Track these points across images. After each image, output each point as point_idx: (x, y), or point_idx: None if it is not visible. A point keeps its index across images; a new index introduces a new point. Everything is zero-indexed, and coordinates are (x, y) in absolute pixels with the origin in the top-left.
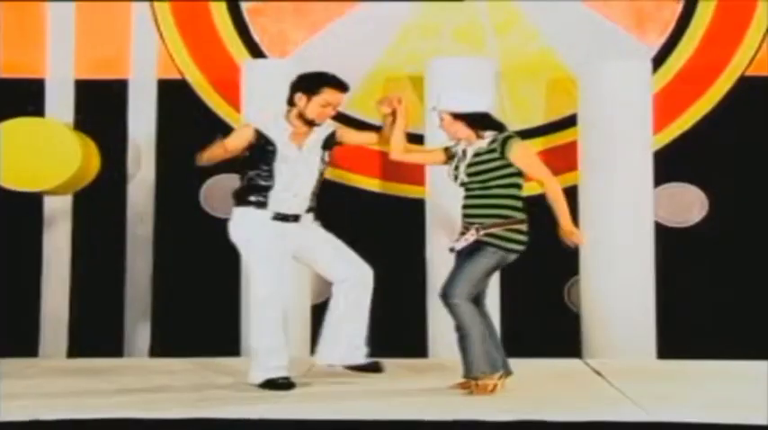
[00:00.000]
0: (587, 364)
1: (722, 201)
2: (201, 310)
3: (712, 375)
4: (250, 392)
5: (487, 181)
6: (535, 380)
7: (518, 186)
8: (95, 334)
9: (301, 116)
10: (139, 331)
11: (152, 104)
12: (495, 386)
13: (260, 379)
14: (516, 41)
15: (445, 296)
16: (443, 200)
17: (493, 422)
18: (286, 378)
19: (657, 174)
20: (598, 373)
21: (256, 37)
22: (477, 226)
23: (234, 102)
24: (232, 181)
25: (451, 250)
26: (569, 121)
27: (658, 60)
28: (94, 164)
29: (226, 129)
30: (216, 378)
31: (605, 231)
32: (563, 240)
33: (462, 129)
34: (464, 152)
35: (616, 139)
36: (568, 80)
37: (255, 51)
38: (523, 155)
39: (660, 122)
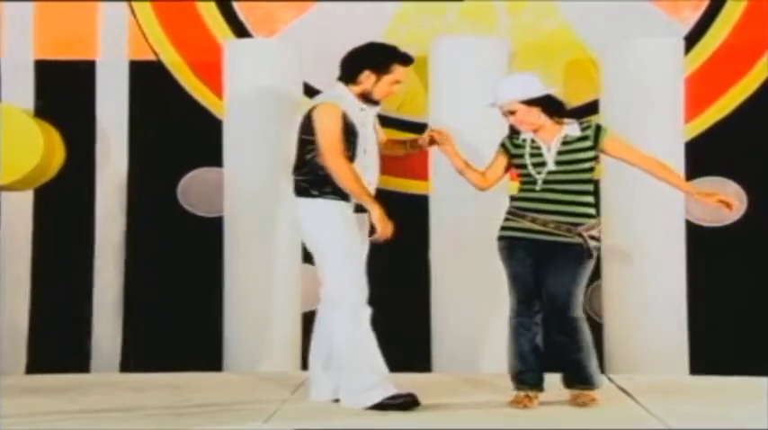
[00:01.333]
0: (611, 380)
1: (762, 198)
2: (179, 320)
3: (747, 393)
4: (233, 411)
5: (578, 171)
6: (552, 398)
7: (594, 182)
8: (59, 347)
9: (364, 96)
10: (109, 343)
11: (123, 88)
12: (598, 399)
13: (370, 400)
14: (531, 18)
15: (566, 310)
16: (448, 196)
17: None
18: (409, 394)
19: (690, 168)
20: (623, 390)
21: (240, 14)
22: (572, 225)
23: (214, 85)
24: (212, 174)
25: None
26: (590, 108)
27: (692, 39)
28: (58, 155)
29: (205, 115)
30: (194, 395)
31: (631, 232)
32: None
33: (537, 117)
34: (533, 141)
35: (643, 128)
36: (589, 61)
37: (239, 30)
38: (620, 143)
39: (693, 109)
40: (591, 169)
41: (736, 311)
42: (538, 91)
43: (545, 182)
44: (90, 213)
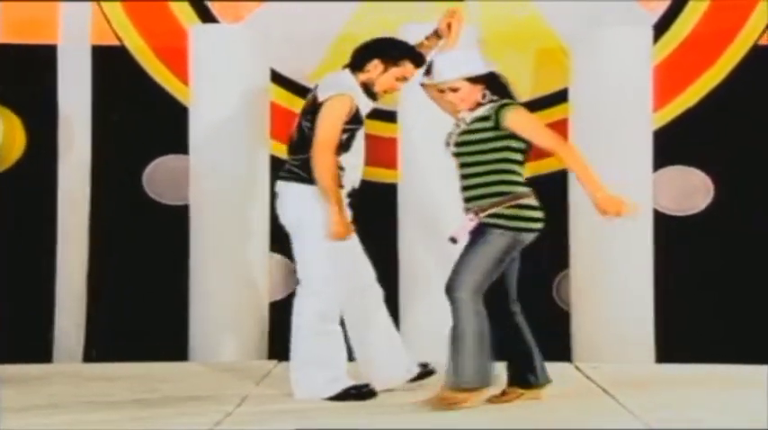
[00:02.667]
0: (578, 369)
1: (729, 187)
2: (144, 309)
3: (714, 381)
4: (199, 402)
5: (478, 153)
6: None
7: (517, 162)
8: (21, 336)
9: (365, 86)
10: (72, 333)
11: (86, 74)
12: (464, 401)
13: (327, 392)
14: (501, 7)
15: (448, 289)
16: (418, 185)
17: None
18: (365, 385)
19: (658, 157)
20: (590, 379)
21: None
22: (475, 208)
23: (180, 71)
24: (178, 161)
25: (452, 241)
26: (560, 97)
27: (660, 27)
28: (18, 142)
29: (170, 102)
30: (160, 385)
31: (599, 221)
32: (601, 214)
33: (480, 95)
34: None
35: (612, 117)
36: (559, 50)
37: (205, 15)
38: (520, 120)
39: (661, 98)
40: (502, 148)
41: (702, 299)
42: (484, 67)
43: (459, 165)
44: (52, 201)
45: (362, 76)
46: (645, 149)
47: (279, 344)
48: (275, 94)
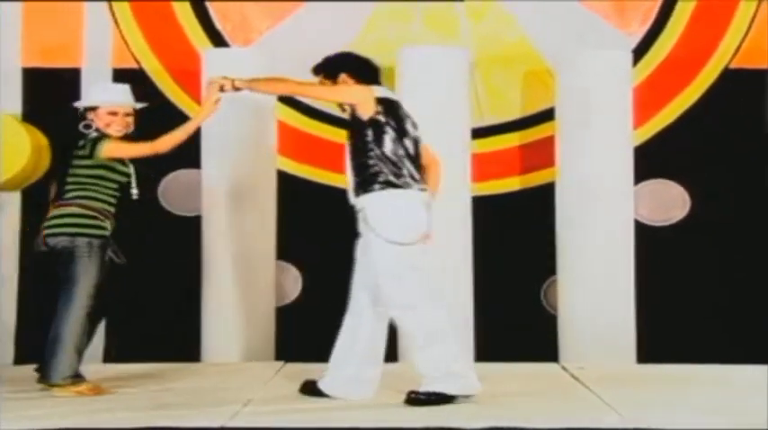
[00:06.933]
0: (565, 369)
1: (705, 199)
2: (160, 313)
3: (693, 380)
4: (211, 400)
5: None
6: (510, 385)
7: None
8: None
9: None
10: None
11: None
12: None
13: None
14: (491, 30)
15: None
16: None
17: (466, 429)
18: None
19: (638, 171)
20: (575, 378)
21: (218, 24)
22: None
23: (194, 92)
24: (191, 175)
25: None
26: (547, 115)
27: (639, 51)
28: (44, 158)
29: (184, 120)
30: (174, 384)
31: (584, 230)
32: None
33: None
34: None
35: (595, 134)
36: (546, 71)
37: (217, 39)
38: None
39: (641, 116)
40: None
41: (680, 303)
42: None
43: None
44: None
45: None
46: (626, 164)
47: (285, 347)
48: (281, 112)
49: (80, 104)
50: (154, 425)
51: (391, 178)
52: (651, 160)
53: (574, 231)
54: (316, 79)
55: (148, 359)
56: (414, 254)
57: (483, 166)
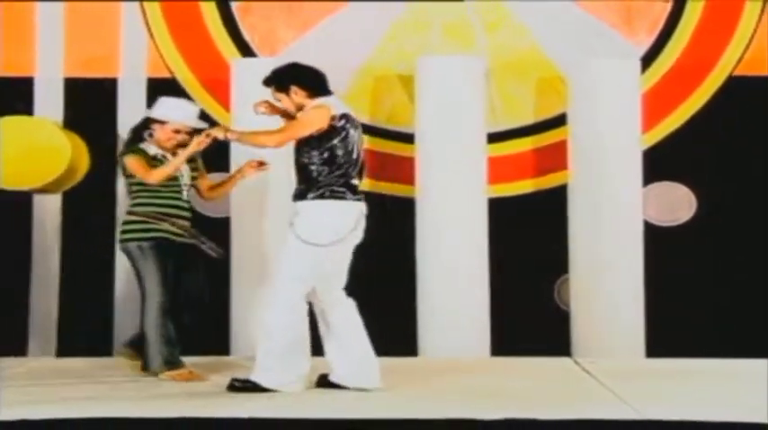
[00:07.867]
0: (577, 363)
1: (710, 200)
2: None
3: (700, 373)
4: (238, 391)
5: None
6: (524, 379)
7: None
8: (85, 333)
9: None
10: (129, 331)
11: (142, 103)
12: None
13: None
14: (506, 39)
15: None
16: (434, 199)
17: (482, 420)
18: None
19: (646, 174)
20: (587, 372)
21: (246, 35)
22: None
23: (223, 101)
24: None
25: None
26: (559, 120)
27: (647, 59)
28: (84, 162)
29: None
30: (205, 376)
31: (595, 230)
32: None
33: None
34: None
35: (605, 139)
36: (558, 79)
37: (245, 50)
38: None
39: (649, 121)
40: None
41: (688, 301)
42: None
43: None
44: (112, 214)
45: (288, 101)
46: (635, 167)
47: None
48: None
49: (155, 115)
50: (185, 415)
51: (333, 188)
52: (659, 163)
53: (585, 231)
54: (268, 91)
55: (181, 353)
56: (318, 254)
57: (498, 169)
